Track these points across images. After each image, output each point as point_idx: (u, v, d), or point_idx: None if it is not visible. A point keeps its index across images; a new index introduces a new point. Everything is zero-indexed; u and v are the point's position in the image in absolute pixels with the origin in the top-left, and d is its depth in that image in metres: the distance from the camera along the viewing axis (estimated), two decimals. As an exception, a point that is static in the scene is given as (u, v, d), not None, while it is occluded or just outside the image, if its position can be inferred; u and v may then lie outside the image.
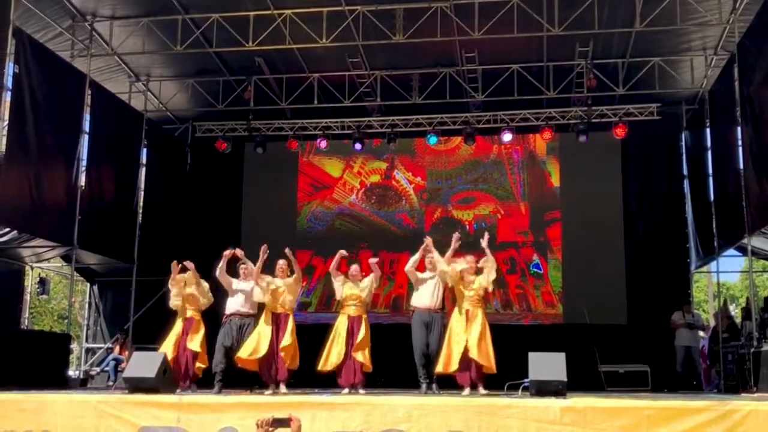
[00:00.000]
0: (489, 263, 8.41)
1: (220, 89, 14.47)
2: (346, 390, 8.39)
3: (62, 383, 11.05)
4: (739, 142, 11.26)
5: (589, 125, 13.80)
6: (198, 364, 9.08)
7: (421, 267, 8.83)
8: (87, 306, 15.92)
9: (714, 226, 12.80)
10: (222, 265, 8.94)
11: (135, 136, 14.32)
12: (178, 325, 9.22)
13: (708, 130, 13.46)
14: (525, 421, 5.92)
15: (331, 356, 8.51)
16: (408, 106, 14.21)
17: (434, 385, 8.51)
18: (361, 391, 8.38)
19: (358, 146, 14.63)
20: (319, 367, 8.55)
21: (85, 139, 12.79)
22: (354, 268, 8.85)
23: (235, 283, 9.11)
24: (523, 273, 14.70)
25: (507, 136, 14.22)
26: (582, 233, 14.47)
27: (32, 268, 14.59)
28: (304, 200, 15.69)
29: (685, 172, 14.66)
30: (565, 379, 6.86)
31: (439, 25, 11.94)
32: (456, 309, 8.44)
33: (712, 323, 13.62)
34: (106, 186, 13.36)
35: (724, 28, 11.95)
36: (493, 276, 8.39)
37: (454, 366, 8.16)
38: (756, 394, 9.02)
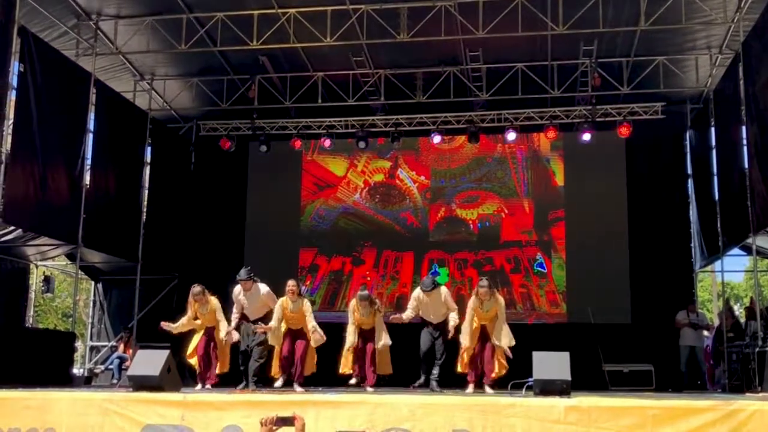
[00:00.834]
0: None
1: (225, 88, 14.50)
2: (354, 380, 8.63)
3: (67, 381, 11.10)
4: (744, 141, 11.25)
5: (593, 124, 13.78)
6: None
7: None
8: (91, 304, 15.99)
9: (718, 225, 12.73)
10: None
11: (139, 135, 14.32)
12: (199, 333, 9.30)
13: (713, 129, 13.42)
14: (529, 420, 5.92)
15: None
16: (412, 105, 14.20)
17: (434, 383, 8.66)
18: (369, 389, 8.46)
19: (362, 145, 14.63)
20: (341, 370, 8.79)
21: (89, 138, 12.79)
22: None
23: (242, 300, 9.17)
24: (527, 272, 14.68)
25: (511, 135, 14.19)
26: (586, 232, 14.43)
27: (37, 267, 14.65)
28: (308, 199, 15.69)
29: (690, 171, 14.62)
30: (569, 379, 6.87)
31: (443, 23, 11.93)
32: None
33: (717, 323, 13.59)
34: (110, 184, 13.36)
35: (729, 27, 11.92)
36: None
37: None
38: (761, 394, 9.01)
